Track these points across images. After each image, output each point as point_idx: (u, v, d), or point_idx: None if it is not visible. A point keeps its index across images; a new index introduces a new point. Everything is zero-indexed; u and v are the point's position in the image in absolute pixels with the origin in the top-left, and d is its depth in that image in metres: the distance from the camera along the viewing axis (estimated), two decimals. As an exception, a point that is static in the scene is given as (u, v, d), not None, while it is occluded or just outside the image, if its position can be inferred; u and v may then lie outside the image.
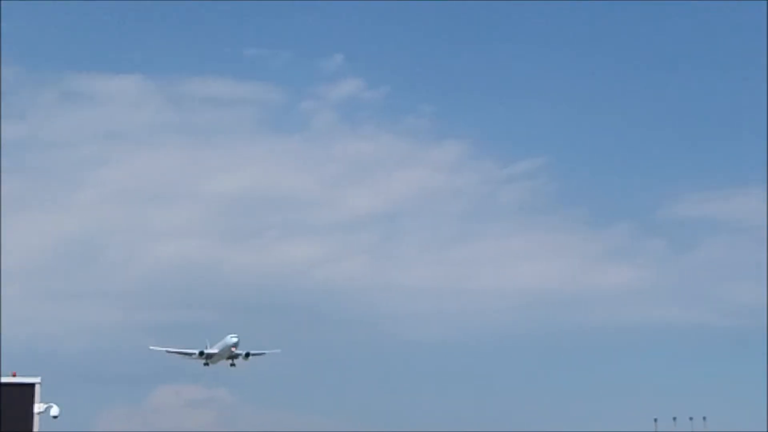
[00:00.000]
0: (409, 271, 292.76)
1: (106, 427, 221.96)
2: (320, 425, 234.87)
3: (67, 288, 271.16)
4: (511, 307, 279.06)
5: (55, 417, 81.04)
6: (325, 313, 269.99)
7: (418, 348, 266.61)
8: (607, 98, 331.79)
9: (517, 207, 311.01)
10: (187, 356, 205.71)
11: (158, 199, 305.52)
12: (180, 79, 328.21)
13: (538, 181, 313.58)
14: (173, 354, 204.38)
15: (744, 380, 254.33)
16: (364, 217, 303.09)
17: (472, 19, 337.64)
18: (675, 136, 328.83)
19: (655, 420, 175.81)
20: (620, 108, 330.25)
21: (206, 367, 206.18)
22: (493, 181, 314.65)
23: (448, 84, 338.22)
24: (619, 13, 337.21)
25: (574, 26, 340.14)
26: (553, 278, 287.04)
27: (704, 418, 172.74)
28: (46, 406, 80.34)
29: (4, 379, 77.65)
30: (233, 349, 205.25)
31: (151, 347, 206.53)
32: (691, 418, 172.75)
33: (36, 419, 79.72)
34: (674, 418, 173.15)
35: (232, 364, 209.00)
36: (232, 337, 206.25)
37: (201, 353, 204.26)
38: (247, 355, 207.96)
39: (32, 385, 79.53)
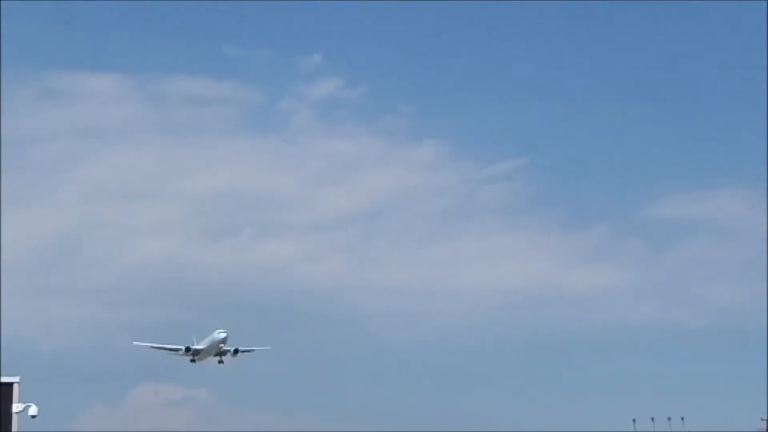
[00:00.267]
0: (388, 271, 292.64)
1: (85, 426, 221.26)
2: (300, 425, 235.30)
3: (46, 286, 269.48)
4: (490, 307, 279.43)
5: (33, 416, 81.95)
6: (304, 312, 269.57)
7: (397, 347, 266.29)
8: (587, 100, 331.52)
9: (496, 207, 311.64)
10: (172, 352, 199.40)
11: (137, 198, 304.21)
12: (159, 78, 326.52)
13: (518, 182, 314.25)
14: (158, 350, 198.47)
15: (722, 380, 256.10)
16: (343, 216, 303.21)
17: (452, 20, 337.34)
18: (654, 138, 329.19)
19: (634, 420, 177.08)
20: (600, 110, 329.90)
21: (193, 363, 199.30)
22: (473, 182, 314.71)
23: (427, 84, 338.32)
24: (597, 14, 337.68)
25: (553, 27, 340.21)
26: (532, 278, 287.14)
27: (682, 419, 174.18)
28: (24, 405, 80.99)
29: (-18, 379, 76.79)
30: (221, 345, 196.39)
31: (135, 342, 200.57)
32: (669, 419, 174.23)
33: (14, 419, 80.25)
34: (652, 419, 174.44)
35: (220, 361, 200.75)
36: (220, 332, 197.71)
37: (188, 349, 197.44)
38: (236, 351, 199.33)
39: (10, 385, 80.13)
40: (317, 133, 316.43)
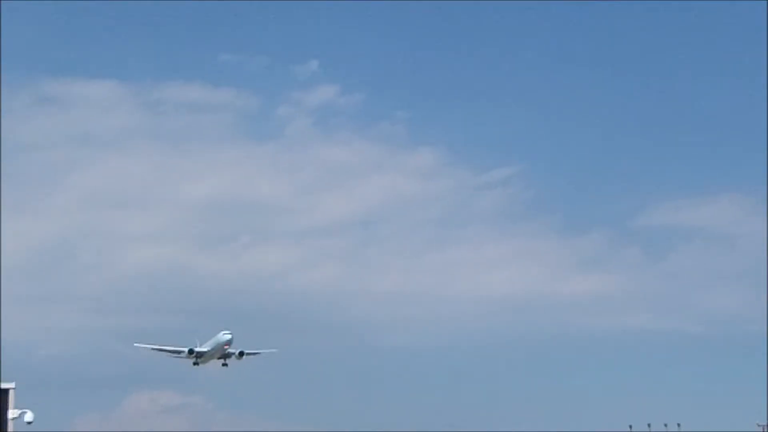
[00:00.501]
0: (385, 277, 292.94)
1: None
2: (296, 431, 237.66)
3: (41, 292, 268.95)
4: (485, 313, 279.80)
5: (29, 423, 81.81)
6: (299, 319, 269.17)
7: (393, 354, 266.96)
8: (582, 107, 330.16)
9: (492, 214, 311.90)
10: (175, 355, 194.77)
11: (132, 204, 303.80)
12: (155, 85, 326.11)
13: (514, 189, 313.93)
14: (159, 353, 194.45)
15: (718, 387, 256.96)
16: (339, 222, 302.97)
17: (449, 27, 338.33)
18: (651, 144, 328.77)
19: (630, 426, 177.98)
20: (596, 116, 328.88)
21: (195, 366, 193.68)
22: (469, 188, 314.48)
23: (423, 91, 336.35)
24: (593, 21, 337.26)
25: (550, 34, 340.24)
26: (529, 285, 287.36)
27: (678, 425, 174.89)
28: (20, 411, 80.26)
29: (-23, 386, 76.35)
30: (226, 347, 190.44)
31: (136, 344, 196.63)
32: (665, 425, 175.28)
33: (10, 425, 79.97)
34: (649, 425, 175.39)
35: (224, 364, 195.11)
36: (225, 333, 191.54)
37: (191, 351, 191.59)
38: (241, 354, 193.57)
39: (6, 391, 79.98)
40: (313, 139, 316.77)
